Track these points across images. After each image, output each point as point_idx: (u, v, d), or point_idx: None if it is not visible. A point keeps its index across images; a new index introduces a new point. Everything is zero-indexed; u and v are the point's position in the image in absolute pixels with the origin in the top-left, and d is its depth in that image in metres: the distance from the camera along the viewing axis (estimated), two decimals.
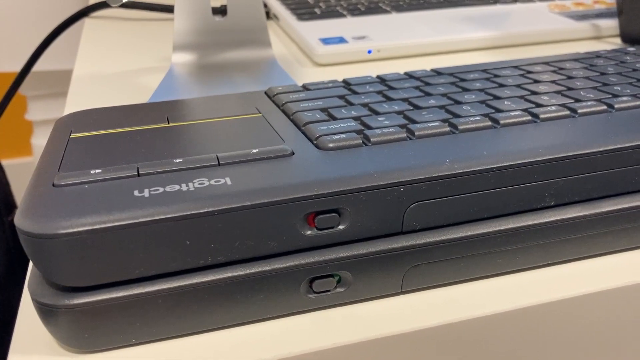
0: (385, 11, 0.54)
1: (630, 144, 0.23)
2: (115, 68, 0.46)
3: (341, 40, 0.47)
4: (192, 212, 0.19)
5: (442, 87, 0.29)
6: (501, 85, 0.29)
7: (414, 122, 0.25)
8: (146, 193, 0.20)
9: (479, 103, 0.27)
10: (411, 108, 0.26)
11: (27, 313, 0.22)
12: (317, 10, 0.54)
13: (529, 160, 0.22)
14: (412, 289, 0.23)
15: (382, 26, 0.50)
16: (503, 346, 0.23)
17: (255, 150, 0.22)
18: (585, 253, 0.24)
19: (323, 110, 0.26)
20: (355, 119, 0.25)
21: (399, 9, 0.55)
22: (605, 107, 0.26)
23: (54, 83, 0.90)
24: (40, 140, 0.96)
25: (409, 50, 0.47)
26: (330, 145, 0.23)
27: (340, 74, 0.44)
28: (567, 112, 0.25)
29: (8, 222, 0.68)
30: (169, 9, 0.57)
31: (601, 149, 0.23)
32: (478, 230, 0.22)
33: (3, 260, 0.64)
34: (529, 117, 0.25)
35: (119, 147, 0.24)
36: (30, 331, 0.21)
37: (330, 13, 0.53)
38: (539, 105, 0.26)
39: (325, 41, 0.46)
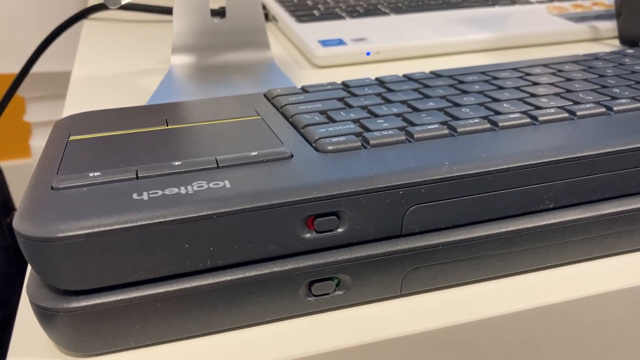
0: (383, 13, 0.54)
1: (629, 147, 0.23)
2: (114, 70, 0.46)
3: (340, 42, 0.47)
4: (191, 215, 0.19)
5: (441, 89, 0.29)
6: (500, 88, 0.29)
7: (413, 124, 0.25)
8: (145, 196, 0.20)
9: (477, 105, 0.27)
10: (410, 110, 0.26)
11: (25, 316, 0.22)
12: (316, 12, 0.54)
13: (528, 163, 0.22)
14: (411, 291, 0.23)
15: (380, 28, 0.50)
16: (502, 349, 0.23)
17: (254, 153, 0.22)
18: (585, 255, 0.24)
19: (322, 112, 0.26)
20: (354, 121, 0.25)
21: (397, 10, 0.55)
22: (604, 109, 0.26)
23: (53, 85, 0.90)
24: (38, 142, 0.96)
25: (408, 52, 0.47)
26: (330, 147, 0.23)
27: (339, 75, 0.44)
28: (566, 115, 0.25)
29: (6, 224, 0.68)
30: (167, 11, 0.57)
31: (600, 152, 0.23)
32: (477, 233, 0.22)
33: (1, 263, 0.64)
34: (528, 120, 0.25)
35: (117, 150, 0.23)
36: (28, 335, 0.21)
37: (329, 15, 0.53)
38: (537, 107, 0.26)
39: (324, 43, 0.46)
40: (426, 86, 0.29)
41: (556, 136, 0.24)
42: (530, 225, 0.23)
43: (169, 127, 0.26)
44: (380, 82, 0.31)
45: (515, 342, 0.23)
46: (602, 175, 0.23)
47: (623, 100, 0.27)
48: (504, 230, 0.22)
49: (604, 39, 0.51)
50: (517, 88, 0.29)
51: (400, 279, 0.22)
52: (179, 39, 0.41)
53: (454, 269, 0.23)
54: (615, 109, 0.26)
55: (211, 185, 0.20)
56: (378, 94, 0.29)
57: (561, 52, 0.48)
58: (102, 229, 0.18)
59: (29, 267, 0.22)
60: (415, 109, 0.26)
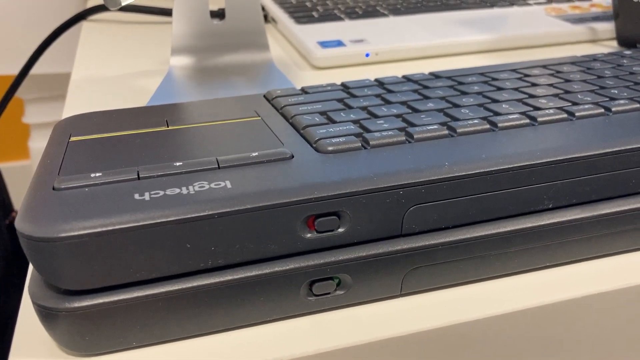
0: (382, 15, 0.54)
1: (628, 147, 0.23)
2: (113, 71, 0.46)
3: (339, 43, 0.47)
4: (193, 215, 0.19)
5: (440, 90, 0.29)
6: (499, 89, 0.29)
7: (412, 125, 0.25)
8: (147, 196, 0.20)
9: (477, 106, 0.27)
10: (410, 111, 0.26)
11: (27, 316, 0.22)
12: (315, 14, 0.54)
13: (528, 163, 0.22)
14: (412, 291, 0.23)
15: (379, 29, 0.50)
16: (502, 348, 0.23)
17: (255, 154, 0.22)
18: (584, 255, 0.24)
19: (322, 113, 0.26)
20: (354, 122, 0.25)
21: (396, 12, 0.55)
22: (602, 110, 0.26)
23: (52, 86, 0.90)
24: (37, 143, 0.96)
25: (407, 54, 0.47)
26: (330, 148, 0.23)
27: (338, 77, 0.44)
28: (565, 115, 0.26)
29: (5, 225, 0.68)
30: (167, 12, 0.57)
31: (599, 152, 0.23)
32: (477, 232, 0.22)
33: (0, 264, 0.64)
34: (527, 120, 0.25)
35: (118, 151, 0.24)
36: (30, 334, 0.21)
37: (328, 16, 0.53)
38: (536, 108, 0.26)
39: (324, 44, 0.46)
40: (425, 87, 0.30)
41: (555, 137, 0.24)
42: (529, 225, 0.23)
43: (170, 128, 0.26)
44: (379, 83, 0.31)
45: (515, 341, 0.23)
46: (601, 176, 0.23)
47: (621, 101, 0.27)
48: (503, 230, 0.23)
49: (601, 41, 0.51)
50: (516, 89, 0.29)
51: (401, 278, 0.22)
52: (179, 41, 0.41)
53: (454, 269, 0.23)
54: (613, 109, 0.26)
55: (212, 185, 0.20)
56: (377, 95, 0.29)
57: (559, 54, 0.48)
58: (104, 228, 0.18)
59: (31, 267, 0.22)
60: (415, 110, 0.26)
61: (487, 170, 0.22)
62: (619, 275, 0.24)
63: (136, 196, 0.20)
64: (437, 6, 0.56)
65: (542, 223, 0.23)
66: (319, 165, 0.22)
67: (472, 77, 0.31)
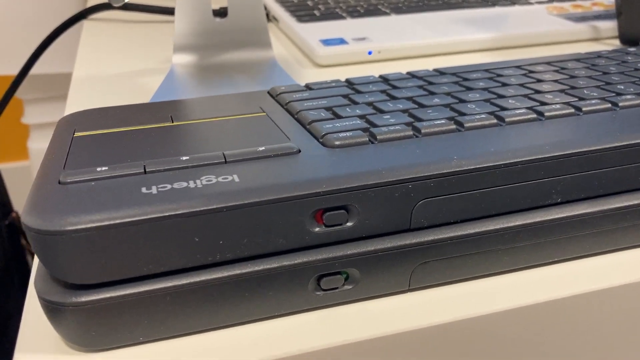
0: (384, 13, 0.54)
1: (637, 141, 0.23)
2: (115, 70, 0.46)
3: (341, 41, 0.47)
4: (201, 209, 0.19)
5: (445, 86, 0.29)
6: (504, 85, 0.29)
7: (419, 120, 0.25)
8: (154, 190, 0.20)
9: (483, 101, 0.27)
10: (416, 106, 0.26)
11: (33, 311, 0.22)
12: (317, 12, 0.54)
13: (536, 157, 0.22)
14: (420, 286, 0.23)
15: (381, 28, 0.50)
16: (511, 343, 0.23)
17: (261, 148, 0.22)
18: (593, 250, 0.24)
19: (327, 109, 0.26)
20: (361, 117, 0.25)
21: (397, 11, 0.55)
22: (609, 105, 0.26)
23: (51, 86, 0.89)
24: (37, 144, 0.96)
25: (410, 52, 0.47)
26: (337, 143, 0.23)
27: (340, 74, 0.44)
28: (572, 110, 0.25)
29: (4, 226, 0.68)
30: (169, 11, 0.57)
31: (607, 146, 0.23)
32: (485, 227, 0.22)
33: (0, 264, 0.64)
34: (534, 115, 0.25)
35: (123, 146, 0.23)
36: (36, 329, 0.21)
37: (330, 15, 0.53)
38: (543, 103, 0.26)
39: (326, 42, 0.46)
40: (431, 83, 0.29)
41: (563, 131, 0.24)
42: (538, 219, 0.23)
43: (174, 123, 0.26)
44: (384, 79, 0.31)
45: (523, 336, 0.23)
46: (609, 170, 0.23)
47: (628, 96, 0.27)
48: (512, 224, 0.22)
49: (604, 39, 0.51)
50: (522, 85, 0.29)
51: (409, 273, 0.22)
52: (181, 39, 0.41)
53: (462, 264, 0.23)
54: (620, 104, 0.26)
55: (220, 179, 0.20)
56: (383, 91, 0.29)
57: (561, 52, 0.48)
58: (112, 222, 0.18)
59: (36, 261, 0.22)
60: (421, 105, 0.26)
61: (496, 164, 0.22)
62: (630, 269, 0.24)
63: (143, 190, 0.20)
64: (439, 5, 0.56)
65: (551, 217, 0.23)
66: (326, 159, 0.22)
67: (476, 73, 0.31)
